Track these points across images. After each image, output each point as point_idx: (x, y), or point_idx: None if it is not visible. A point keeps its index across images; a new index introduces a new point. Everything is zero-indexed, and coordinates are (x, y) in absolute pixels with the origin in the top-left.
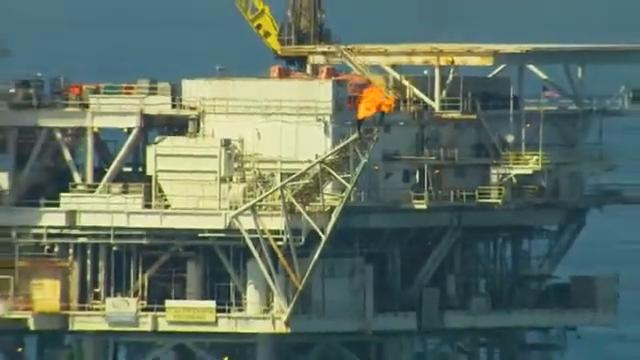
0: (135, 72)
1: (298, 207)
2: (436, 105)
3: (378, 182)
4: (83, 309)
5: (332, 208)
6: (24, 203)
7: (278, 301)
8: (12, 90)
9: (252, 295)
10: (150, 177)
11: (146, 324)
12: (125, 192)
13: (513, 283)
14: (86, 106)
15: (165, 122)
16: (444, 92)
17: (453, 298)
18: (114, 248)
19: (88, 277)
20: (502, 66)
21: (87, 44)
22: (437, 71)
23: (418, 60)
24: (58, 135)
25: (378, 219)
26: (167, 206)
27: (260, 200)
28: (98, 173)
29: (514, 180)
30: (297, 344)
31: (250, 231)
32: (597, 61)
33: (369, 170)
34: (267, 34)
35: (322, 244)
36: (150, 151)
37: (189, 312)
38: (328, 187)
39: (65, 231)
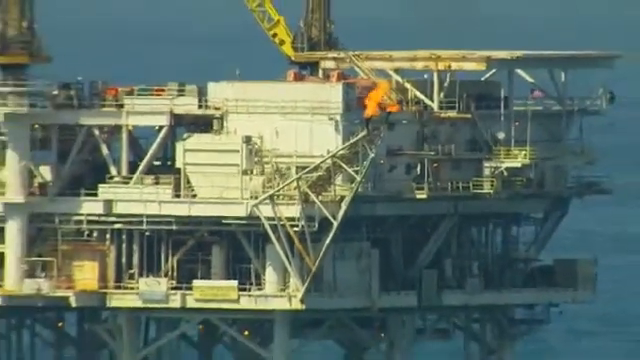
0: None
1: (312, 197)
2: (435, 105)
3: (383, 174)
4: (119, 288)
5: (342, 197)
6: (66, 193)
7: (294, 281)
8: (55, 92)
9: (270, 275)
10: (179, 170)
11: (175, 301)
12: (156, 183)
13: (503, 265)
14: (121, 106)
15: (192, 121)
16: (442, 94)
17: (450, 278)
18: (147, 233)
19: (123, 259)
20: (493, 70)
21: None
22: (435, 75)
23: (419, 65)
24: (96, 132)
25: (383, 207)
26: (194, 196)
27: (278, 190)
28: (132, 166)
29: (504, 173)
30: (310, 319)
31: (269, 218)
32: (578, 66)
33: (375, 163)
34: (282, 42)
35: (333, 230)
36: (179, 146)
37: (214, 291)
38: (339, 179)
39: (103, 218)
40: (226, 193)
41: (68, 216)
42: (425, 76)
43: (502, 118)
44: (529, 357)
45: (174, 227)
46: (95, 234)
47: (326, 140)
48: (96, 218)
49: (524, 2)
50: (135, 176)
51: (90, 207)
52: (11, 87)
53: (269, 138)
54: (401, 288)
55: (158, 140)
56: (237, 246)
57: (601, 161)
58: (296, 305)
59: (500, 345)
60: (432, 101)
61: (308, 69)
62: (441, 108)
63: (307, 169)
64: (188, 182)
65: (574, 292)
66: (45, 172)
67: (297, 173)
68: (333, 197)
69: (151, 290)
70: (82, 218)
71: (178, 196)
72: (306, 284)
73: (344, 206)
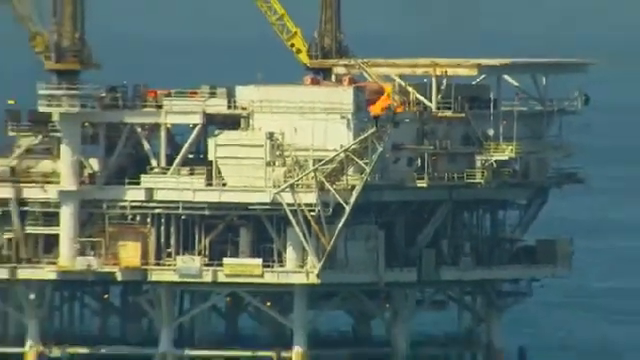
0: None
1: (327, 185)
2: (433, 106)
3: (388, 166)
4: (158, 265)
5: (353, 186)
6: (112, 182)
7: (311, 259)
8: (103, 94)
9: (290, 254)
10: (211, 162)
11: (207, 276)
12: (191, 174)
13: (492, 245)
14: (160, 107)
15: (222, 119)
16: (439, 96)
17: (446, 256)
18: (182, 217)
19: (162, 240)
20: (484, 76)
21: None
22: (434, 79)
23: (419, 71)
24: (138, 129)
25: (388, 194)
26: (224, 184)
27: (297, 180)
28: (169, 159)
29: (494, 165)
30: (325, 292)
31: (289, 204)
32: (557, 72)
33: (382, 157)
34: (299, 51)
35: (345, 214)
36: (211, 142)
37: (241, 267)
38: (350, 170)
39: (144, 204)
40: (252, 182)
41: (114, 202)
42: (425, 80)
43: (491, 117)
44: (513, 325)
45: (206, 212)
46: (137, 218)
47: (339, 136)
48: (138, 204)
49: (524, 19)
50: (172, 167)
51: (133, 194)
52: (65, 90)
53: (289, 134)
54: (403, 265)
55: (192, 136)
56: (261, 228)
57: (577, 155)
58: (313, 280)
59: (489, 315)
60: (431, 102)
61: (321, 74)
62: (438, 108)
63: (323, 161)
64: (219, 172)
65: (553, 268)
66: (94, 164)
67: (314, 165)
68: (345, 186)
69: (186, 266)
70: (126, 204)
71: (210, 185)
72: (322, 261)
73: (355, 193)
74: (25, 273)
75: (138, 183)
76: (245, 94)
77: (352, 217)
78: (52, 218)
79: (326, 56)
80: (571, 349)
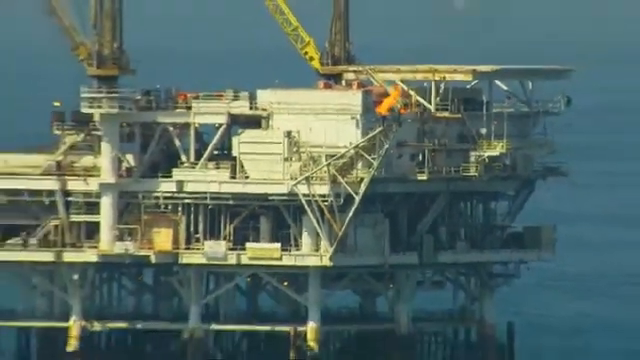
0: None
1: (339, 178)
2: (432, 107)
3: (393, 161)
4: (188, 249)
5: (362, 179)
6: (147, 175)
7: (324, 243)
8: (138, 97)
9: (306, 239)
10: (235, 157)
11: (232, 259)
12: (217, 168)
13: (484, 231)
14: (189, 108)
15: (245, 119)
16: (438, 99)
17: (443, 242)
18: (209, 207)
19: (191, 227)
20: (477, 80)
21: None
22: (433, 84)
23: (420, 76)
24: (170, 128)
25: (393, 186)
26: (247, 177)
27: (312, 173)
28: (198, 154)
29: (486, 160)
30: (336, 273)
31: (305, 195)
32: (542, 78)
33: (388, 153)
34: (311, 58)
35: (355, 204)
36: (235, 139)
37: (262, 251)
38: (359, 164)
39: (175, 195)
40: (271, 175)
41: (148, 193)
42: (425, 85)
43: (484, 118)
44: (503, 303)
45: (231, 202)
46: (169, 207)
47: (349, 134)
48: (170, 195)
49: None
50: (200, 162)
51: (166, 186)
52: (105, 94)
53: (304, 133)
54: (406, 249)
55: (218, 134)
56: (280, 217)
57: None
58: (326, 262)
59: (481, 294)
60: (430, 104)
61: (332, 80)
62: (437, 109)
63: (335, 157)
64: (242, 167)
65: (539, 252)
66: (130, 159)
67: (327, 160)
68: (355, 178)
69: (213, 250)
70: (159, 195)
71: (234, 178)
72: (334, 246)
73: (363, 185)
74: (69, 256)
75: (170, 176)
76: (265, 97)
77: (361, 206)
78: (93, 207)
79: (336, 63)
80: (550, 325)
